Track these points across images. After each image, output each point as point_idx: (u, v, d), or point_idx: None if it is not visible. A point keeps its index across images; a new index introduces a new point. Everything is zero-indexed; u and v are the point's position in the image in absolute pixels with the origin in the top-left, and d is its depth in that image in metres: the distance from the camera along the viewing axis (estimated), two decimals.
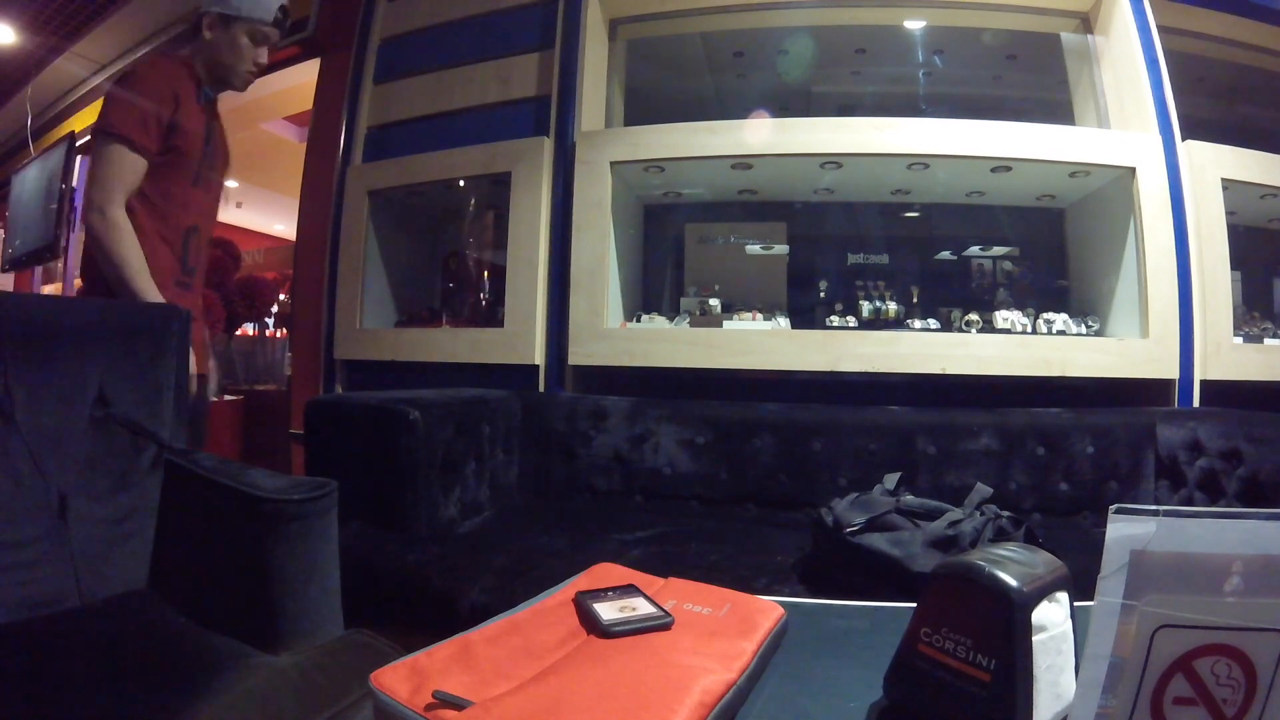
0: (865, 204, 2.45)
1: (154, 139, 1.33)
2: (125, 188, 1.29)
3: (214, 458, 1.12)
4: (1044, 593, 0.50)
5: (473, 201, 2.75)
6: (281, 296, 4.01)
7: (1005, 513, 1.08)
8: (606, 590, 0.68)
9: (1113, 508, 0.36)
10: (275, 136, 4.78)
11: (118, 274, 1.27)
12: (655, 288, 2.58)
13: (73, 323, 1.13)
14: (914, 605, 0.54)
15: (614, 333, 2.10)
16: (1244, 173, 2.03)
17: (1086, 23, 2.31)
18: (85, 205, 1.30)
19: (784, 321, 2.19)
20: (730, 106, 2.80)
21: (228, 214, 7.20)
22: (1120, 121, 2.14)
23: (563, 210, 2.19)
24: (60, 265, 4.64)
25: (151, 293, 1.29)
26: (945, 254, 2.50)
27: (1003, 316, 2.10)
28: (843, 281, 2.41)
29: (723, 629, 0.62)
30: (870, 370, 1.93)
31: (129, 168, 1.29)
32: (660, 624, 0.61)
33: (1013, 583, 0.48)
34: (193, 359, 1.28)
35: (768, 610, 0.66)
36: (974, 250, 2.46)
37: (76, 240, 4.83)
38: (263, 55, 1.41)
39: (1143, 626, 0.36)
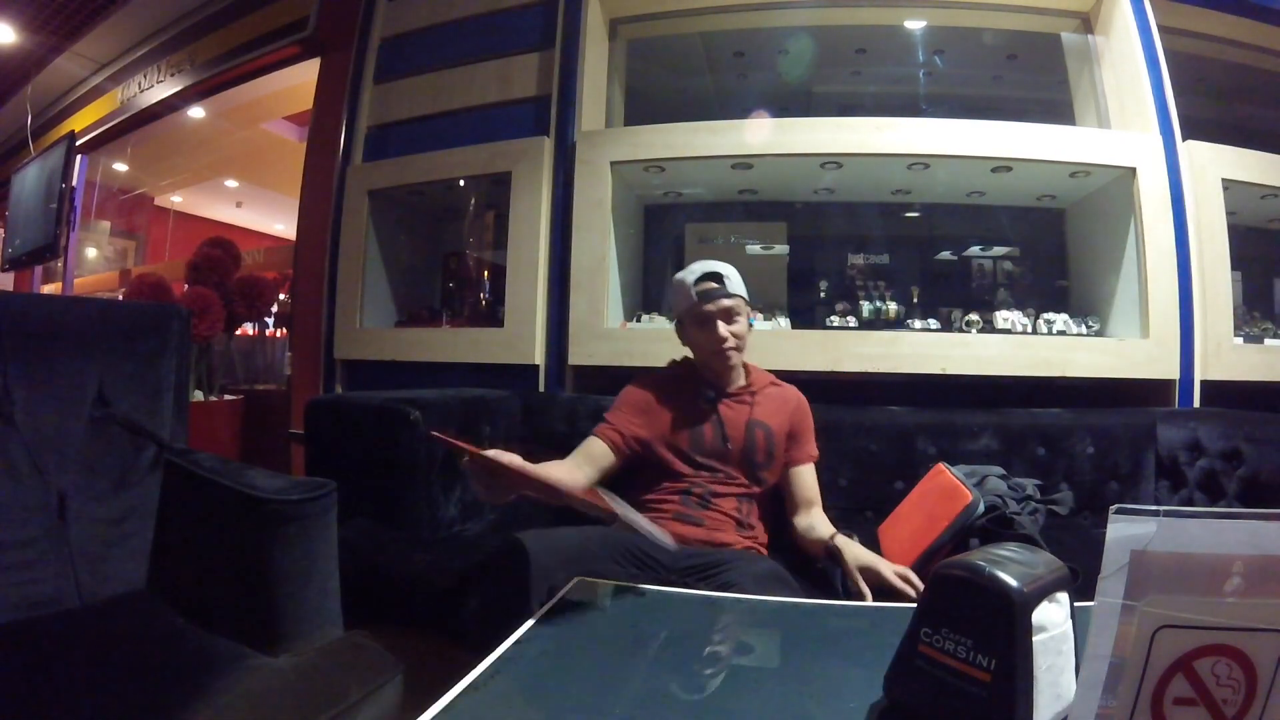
0: (865, 204, 2.44)
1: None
2: None
3: (214, 458, 1.11)
4: (1044, 593, 0.50)
5: (473, 201, 2.75)
6: (281, 296, 4.00)
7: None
8: None
9: (1113, 508, 0.36)
10: (275, 136, 4.78)
11: None
12: (655, 288, 2.58)
13: (73, 323, 1.13)
14: (914, 605, 0.54)
15: (614, 333, 2.10)
16: (1244, 173, 2.03)
17: (1087, 23, 2.31)
18: None
19: (784, 321, 2.19)
20: (730, 106, 2.79)
21: (228, 214, 7.20)
22: (1120, 122, 2.14)
23: (563, 210, 2.18)
24: (60, 265, 4.64)
25: None
26: (945, 254, 2.50)
27: (1003, 317, 2.10)
28: (843, 281, 2.40)
29: None
30: (870, 370, 1.93)
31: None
32: None
33: (1013, 583, 0.48)
34: None
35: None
36: (974, 250, 2.46)
37: (76, 240, 4.84)
38: (721, 327, 1.30)
39: (1143, 627, 0.36)
